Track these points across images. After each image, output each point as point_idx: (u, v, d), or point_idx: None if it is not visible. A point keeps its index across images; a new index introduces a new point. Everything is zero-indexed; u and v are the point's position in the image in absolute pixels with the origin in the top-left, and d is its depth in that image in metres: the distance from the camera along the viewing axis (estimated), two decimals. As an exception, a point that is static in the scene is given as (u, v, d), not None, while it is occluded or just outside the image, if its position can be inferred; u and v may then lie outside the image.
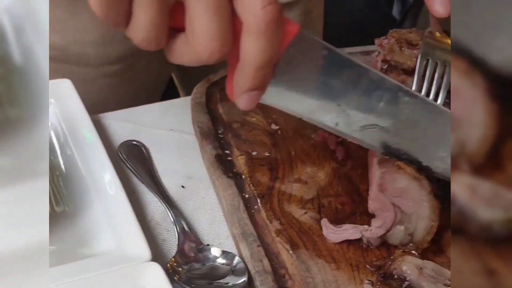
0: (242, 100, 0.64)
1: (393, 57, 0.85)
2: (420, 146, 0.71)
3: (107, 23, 0.59)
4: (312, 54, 0.66)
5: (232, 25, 0.59)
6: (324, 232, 0.76)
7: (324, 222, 0.76)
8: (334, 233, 0.75)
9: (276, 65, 0.64)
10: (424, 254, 0.74)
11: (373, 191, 0.73)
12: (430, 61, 0.80)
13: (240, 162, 0.86)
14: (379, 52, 0.88)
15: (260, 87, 0.63)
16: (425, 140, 0.70)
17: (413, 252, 0.73)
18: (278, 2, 0.59)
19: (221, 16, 0.57)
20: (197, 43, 0.58)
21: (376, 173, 0.72)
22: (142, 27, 0.58)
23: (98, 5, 0.57)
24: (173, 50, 0.61)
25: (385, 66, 0.86)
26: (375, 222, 0.74)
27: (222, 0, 0.57)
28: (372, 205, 0.74)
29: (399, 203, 0.72)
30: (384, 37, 0.88)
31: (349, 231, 0.74)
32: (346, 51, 1.05)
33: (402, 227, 0.73)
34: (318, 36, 1.28)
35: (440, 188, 0.71)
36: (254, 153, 0.88)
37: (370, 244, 0.75)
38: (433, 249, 0.75)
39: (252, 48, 0.59)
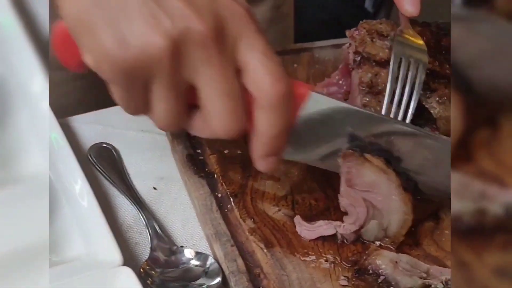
0: (260, 165, 0.68)
1: (365, 49, 0.84)
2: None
3: (129, 112, 0.65)
4: (324, 112, 0.68)
5: (244, 103, 0.61)
6: (298, 229, 0.75)
7: (298, 219, 0.75)
8: (308, 230, 0.74)
9: (291, 129, 0.67)
10: (399, 247, 0.74)
11: (342, 187, 0.73)
12: (403, 60, 0.79)
13: (212, 161, 0.85)
14: (350, 44, 0.87)
15: (275, 154, 0.66)
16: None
17: (389, 246, 0.72)
18: (287, 78, 0.62)
19: (232, 98, 0.60)
20: (213, 124, 0.62)
21: (342, 168, 0.71)
22: (161, 116, 0.63)
23: (119, 99, 0.63)
24: (192, 127, 0.65)
25: (358, 58, 0.85)
26: (347, 219, 0.73)
27: (232, 82, 0.60)
28: (342, 202, 0.73)
29: (369, 198, 0.71)
30: (354, 28, 0.87)
31: (323, 228, 0.73)
32: (316, 45, 1.04)
33: (375, 222, 0.72)
34: (289, 31, 1.27)
35: (410, 181, 0.71)
36: (226, 151, 0.86)
37: (345, 240, 0.74)
38: (408, 242, 0.75)
39: (265, 121, 0.63)
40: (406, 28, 0.83)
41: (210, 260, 0.73)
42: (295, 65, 1.01)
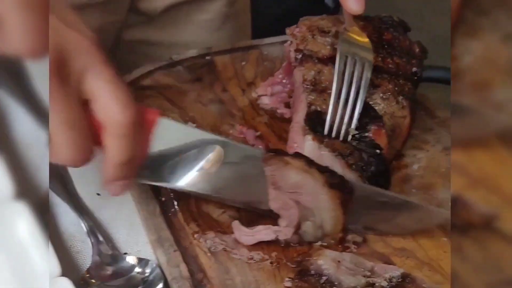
0: (108, 189, 0.68)
1: (306, 46, 0.83)
2: None
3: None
4: (180, 137, 0.71)
5: (89, 133, 0.62)
6: (237, 235, 0.73)
7: (236, 224, 0.73)
8: (247, 236, 0.72)
9: (145, 155, 0.68)
10: (345, 245, 0.73)
11: (270, 190, 0.72)
12: (349, 59, 0.78)
13: (156, 165, 0.83)
14: (291, 42, 0.85)
15: (125, 178, 0.67)
16: None
17: (332, 243, 0.71)
18: (135, 105, 0.62)
19: (75, 129, 0.60)
20: (59, 154, 0.62)
21: (266, 172, 0.70)
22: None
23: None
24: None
25: (299, 56, 0.83)
26: (281, 222, 0.72)
27: (75, 113, 0.60)
28: (273, 205, 0.72)
29: (298, 199, 0.70)
30: (295, 25, 0.85)
31: (262, 233, 0.72)
32: (265, 41, 1.03)
33: (309, 223, 0.71)
34: (246, 27, 1.25)
35: (334, 177, 0.70)
36: (170, 154, 0.84)
37: (291, 243, 0.73)
38: (355, 240, 0.73)
39: (114, 148, 0.63)
40: (351, 26, 0.82)
41: (152, 267, 0.71)
42: (243, 63, 0.99)
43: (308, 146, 0.72)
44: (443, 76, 1.11)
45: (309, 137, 0.73)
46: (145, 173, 0.71)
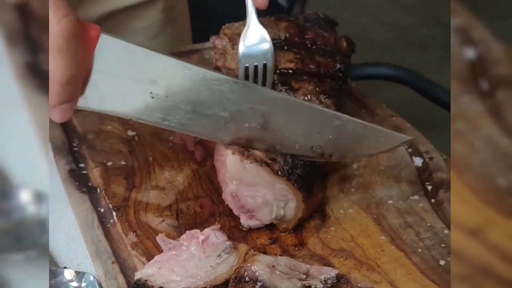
0: (54, 114, 0.63)
1: (225, 63, 0.81)
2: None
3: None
4: (123, 55, 0.64)
5: None
6: (164, 248, 0.72)
7: (160, 238, 0.72)
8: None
9: (88, 74, 0.63)
10: (284, 248, 0.73)
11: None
12: (249, 67, 0.77)
13: (95, 174, 0.82)
14: (214, 53, 0.84)
15: (69, 100, 0.62)
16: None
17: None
18: (74, 17, 0.59)
19: None
20: None
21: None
22: None
23: None
24: None
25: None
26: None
27: None
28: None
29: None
30: (217, 35, 0.84)
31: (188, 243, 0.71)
32: (207, 45, 1.02)
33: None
34: (186, 32, 1.24)
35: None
36: (109, 163, 0.84)
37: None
38: (293, 242, 0.74)
39: (55, 66, 0.59)
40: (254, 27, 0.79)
41: (89, 280, 0.70)
42: (185, 68, 0.98)
43: (230, 161, 0.70)
44: (385, 73, 1.12)
45: (229, 152, 0.71)
46: (90, 98, 0.65)
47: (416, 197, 0.79)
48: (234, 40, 0.80)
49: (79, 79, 0.62)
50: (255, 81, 0.77)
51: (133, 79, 0.65)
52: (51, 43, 0.58)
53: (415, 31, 3.03)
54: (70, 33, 0.58)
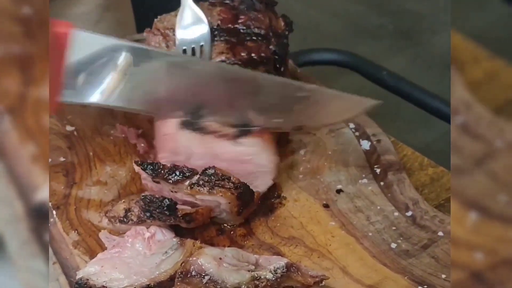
0: None
1: None
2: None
3: None
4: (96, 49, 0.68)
5: None
6: (107, 245, 0.69)
7: (104, 234, 0.70)
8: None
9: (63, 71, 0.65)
10: (232, 239, 0.71)
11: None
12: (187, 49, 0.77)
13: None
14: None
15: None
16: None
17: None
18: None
19: None
20: None
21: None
22: None
23: None
24: None
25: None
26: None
27: None
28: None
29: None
30: (150, 29, 0.80)
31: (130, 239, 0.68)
32: (137, 37, 0.99)
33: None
34: (128, 18, 1.21)
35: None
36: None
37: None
38: (242, 232, 0.71)
39: None
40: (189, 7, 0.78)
41: (29, 283, 0.67)
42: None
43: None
44: (331, 58, 1.10)
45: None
46: (68, 92, 0.68)
47: (365, 180, 0.77)
48: (168, 36, 0.78)
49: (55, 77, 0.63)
50: None
51: (100, 68, 0.69)
52: None
53: (364, 20, 3.04)
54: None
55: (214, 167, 0.68)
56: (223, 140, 0.72)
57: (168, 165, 0.69)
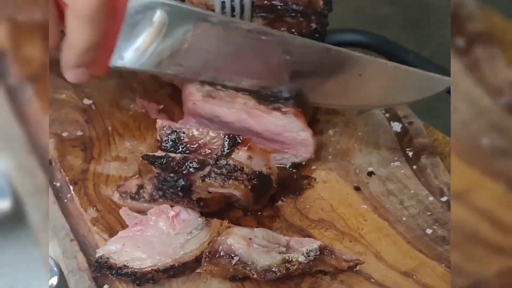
0: (70, 75, 0.63)
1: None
2: None
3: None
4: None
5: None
6: (128, 223, 0.66)
7: (124, 212, 0.66)
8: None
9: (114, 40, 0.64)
10: (259, 220, 0.67)
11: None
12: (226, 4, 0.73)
13: (50, 146, 0.75)
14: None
15: (86, 66, 0.63)
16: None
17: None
18: None
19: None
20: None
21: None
22: None
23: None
24: None
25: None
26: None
27: None
28: None
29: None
30: None
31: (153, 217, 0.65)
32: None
33: None
34: None
35: None
36: (64, 134, 0.76)
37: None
38: (269, 213, 0.68)
39: (80, 32, 0.58)
40: None
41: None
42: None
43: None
44: (355, 40, 1.07)
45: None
46: (120, 55, 0.67)
47: (397, 163, 0.74)
48: None
49: (101, 46, 0.61)
50: (233, 15, 0.73)
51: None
52: (77, 9, 0.57)
53: (372, 10, 3.00)
54: (98, 4, 0.57)
55: (227, 157, 0.64)
56: (255, 110, 0.69)
57: (177, 157, 0.64)
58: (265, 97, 0.70)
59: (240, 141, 0.64)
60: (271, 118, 0.70)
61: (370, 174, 0.72)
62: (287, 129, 0.70)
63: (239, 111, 0.70)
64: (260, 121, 0.70)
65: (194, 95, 0.71)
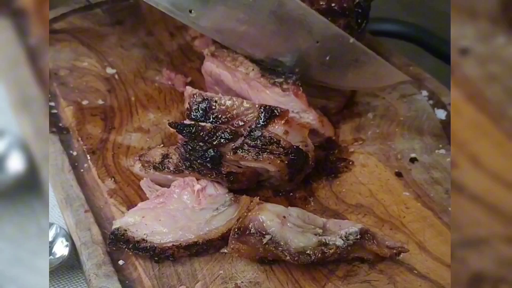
0: None
1: None
2: None
3: None
4: None
5: None
6: (148, 195, 0.60)
7: (145, 183, 0.61)
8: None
9: None
10: (291, 201, 0.61)
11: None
12: None
13: (68, 114, 0.70)
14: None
15: None
16: None
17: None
18: None
19: None
20: None
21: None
22: None
23: None
24: None
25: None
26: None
27: None
28: None
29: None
30: None
31: (176, 188, 0.59)
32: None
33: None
34: None
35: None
36: (84, 102, 0.71)
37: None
38: (302, 195, 0.62)
39: None
40: None
41: (55, 232, 0.58)
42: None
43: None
44: (392, 30, 1.01)
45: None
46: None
47: (442, 151, 0.68)
48: None
49: None
50: None
51: None
52: None
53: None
54: None
55: (261, 129, 0.58)
56: (255, 83, 0.64)
57: (208, 127, 0.58)
58: (268, 70, 0.65)
59: (277, 113, 0.59)
60: (271, 94, 0.64)
61: (413, 160, 0.66)
62: (287, 108, 0.64)
63: (239, 80, 0.64)
64: (261, 95, 0.64)
65: (213, 66, 0.66)
